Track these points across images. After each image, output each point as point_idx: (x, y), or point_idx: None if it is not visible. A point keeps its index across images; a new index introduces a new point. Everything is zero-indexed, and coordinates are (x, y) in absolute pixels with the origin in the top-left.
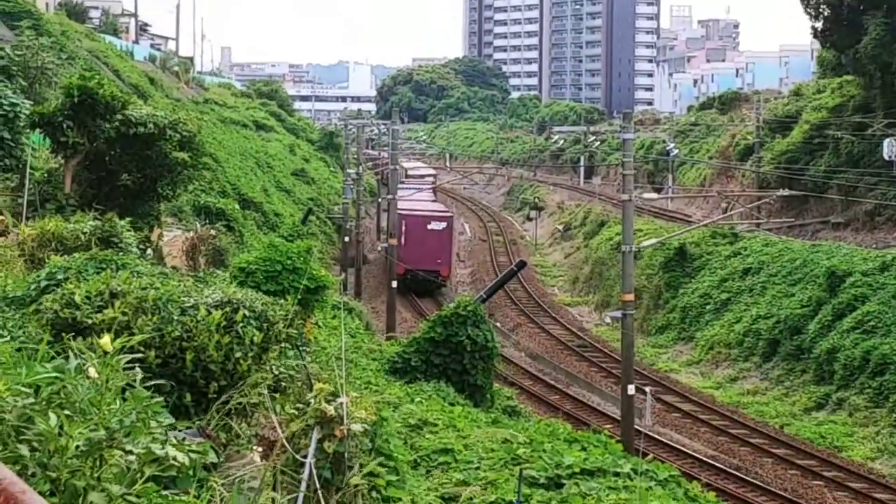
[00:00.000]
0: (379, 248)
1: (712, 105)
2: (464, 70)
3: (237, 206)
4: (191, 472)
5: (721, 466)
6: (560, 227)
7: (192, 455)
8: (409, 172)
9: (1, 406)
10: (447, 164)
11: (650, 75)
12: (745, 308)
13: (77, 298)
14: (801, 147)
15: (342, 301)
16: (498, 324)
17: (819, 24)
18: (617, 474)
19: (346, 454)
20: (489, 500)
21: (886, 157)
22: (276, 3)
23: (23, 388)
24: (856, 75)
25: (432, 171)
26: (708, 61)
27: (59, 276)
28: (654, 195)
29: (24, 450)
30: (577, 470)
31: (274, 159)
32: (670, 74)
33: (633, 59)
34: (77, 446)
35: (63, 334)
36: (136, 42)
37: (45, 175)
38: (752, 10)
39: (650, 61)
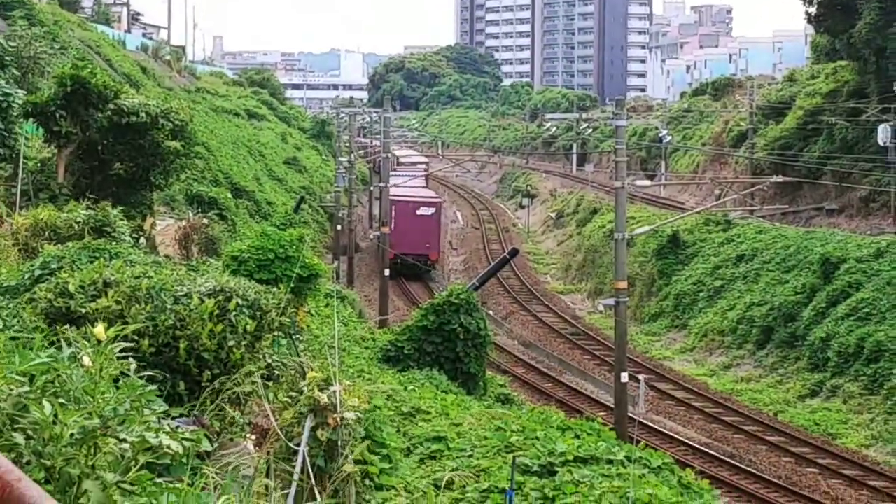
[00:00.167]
0: (371, 237)
1: (705, 91)
2: (455, 57)
3: (229, 195)
4: (184, 460)
5: (715, 454)
6: (552, 215)
7: (186, 443)
8: (401, 160)
9: None
10: (439, 151)
11: (643, 62)
12: (739, 295)
13: (71, 288)
14: (795, 133)
15: (335, 289)
16: (491, 312)
17: (813, 9)
18: (610, 462)
19: (339, 442)
20: (482, 488)
21: (881, 143)
22: None
23: (17, 377)
24: (850, 60)
25: (424, 159)
26: (701, 47)
27: (53, 266)
28: (647, 182)
29: (19, 438)
30: (570, 458)
31: (266, 148)
32: (663, 61)
33: (626, 46)
34: (71, 434)
35: (57, 323)
36: (128, 31)
37: (39, 165)
38: None
39: (643, 47)
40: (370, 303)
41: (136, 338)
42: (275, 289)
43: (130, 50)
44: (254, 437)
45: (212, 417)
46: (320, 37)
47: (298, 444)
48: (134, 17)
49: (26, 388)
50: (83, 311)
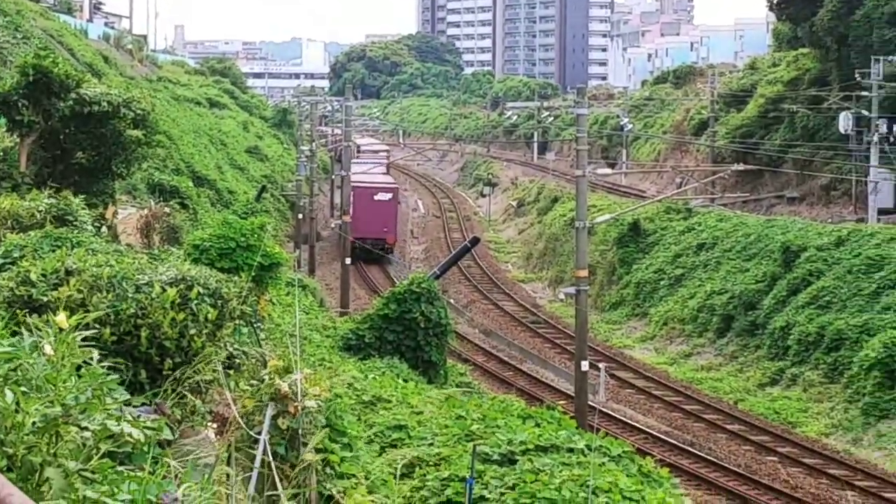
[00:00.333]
0: (332, 225)
1: (666, 79)
2: (417, 46)
3: (191, 184)
4: (146, 449)
5: (675, 442)
6: (514, 204)
7: (147, 431)
8: (363, 149)
9: None
10: (401, 140)
11: (604, 50)
12: (700, 284)
13: (33, 276)
14: (756, 121)
15: (296, 278)
16: (451, 300)
17: None
18: (570, 450)
19: (300, 430)
20: (443, 476)
21: (842, 131)
22: None
23: None
24: (812, 48)
25: (386, 148)
26: (662, 35)
27: (15, 254)
28: (608, 171)
29: None
30: (530, 446)
31: (227, 137)
32: (624, 49)
33: (587, 34)
34: (33, 422)
35: (18, 311)
36: (90, 20)
37: (1, 154)
38: None
39: (604, 36)
40: (331, 291)
41: (97, 326)
42: (236, 277)
43: (92, 39)
44: (215, 425)
45: (173, 406)
46: (282, 26)
47: (259, 433)
48: (95, 7)
49: None
50: (45, 299)
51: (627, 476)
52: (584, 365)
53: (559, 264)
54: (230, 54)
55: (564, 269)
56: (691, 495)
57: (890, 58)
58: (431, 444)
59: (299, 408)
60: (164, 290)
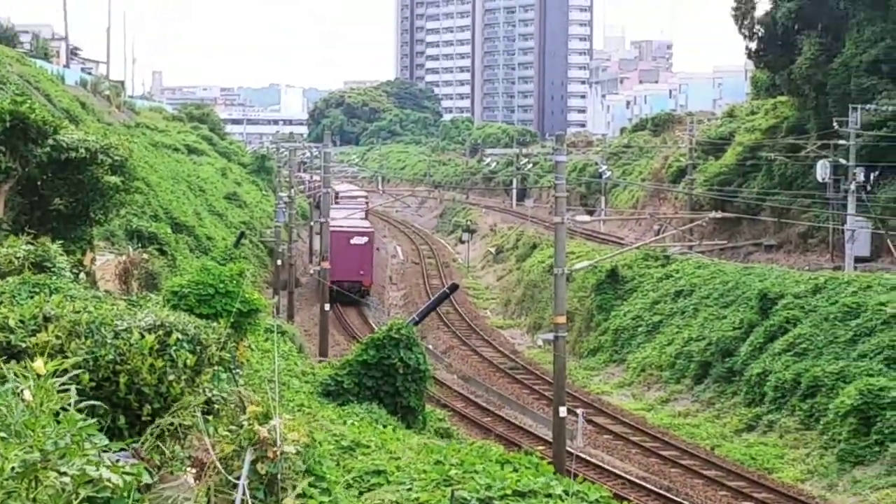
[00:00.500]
0: (311, 272)
1: (645, 127)
2: (396, 92)
3: (169, 230)
4: (125, 494)
5: (652, 488)
6: (492, 250)
7: (126, 477)
8: (341, 195)
9: None
10: (380, 186)
11: (583, 97)
12: (677, 330)
13: (11, 322)
14: (735, 169)
15: (275, 324)
16: (430, 346)
17: (753, 45)
18: (548, 496)
19: (279, 476)
20: None
21: (819, 179)
22: (207, 27)
23: None
24: (790, 96)
25: (364, 194)
26: (641, 82)
27: None
28: (587, 217)
29: None
30: (508, 491)
31: (206, 183)
32: (603, 96)
33: (566, 81)
34: (12, 468)
35: None
36: (66, 66)
37: None
38: (686, 31)
39: (583, 83)
40: (310, 337)
41: (76, 372)
42: (215, 323)
43: (69, 85)
44: (193, 470)
45: (151, 451)
46: (260, 72)
47: (238, 478)
48: (73, 52)
49: None
50: (23, 345)
51: None
52: (563, 410)
53: (538, 310)
54: (208, 100)
55: (543, 316)
56: None
57: (868, 106)
58: (410, 489)
59: (278, 453)
60: (143, 337)
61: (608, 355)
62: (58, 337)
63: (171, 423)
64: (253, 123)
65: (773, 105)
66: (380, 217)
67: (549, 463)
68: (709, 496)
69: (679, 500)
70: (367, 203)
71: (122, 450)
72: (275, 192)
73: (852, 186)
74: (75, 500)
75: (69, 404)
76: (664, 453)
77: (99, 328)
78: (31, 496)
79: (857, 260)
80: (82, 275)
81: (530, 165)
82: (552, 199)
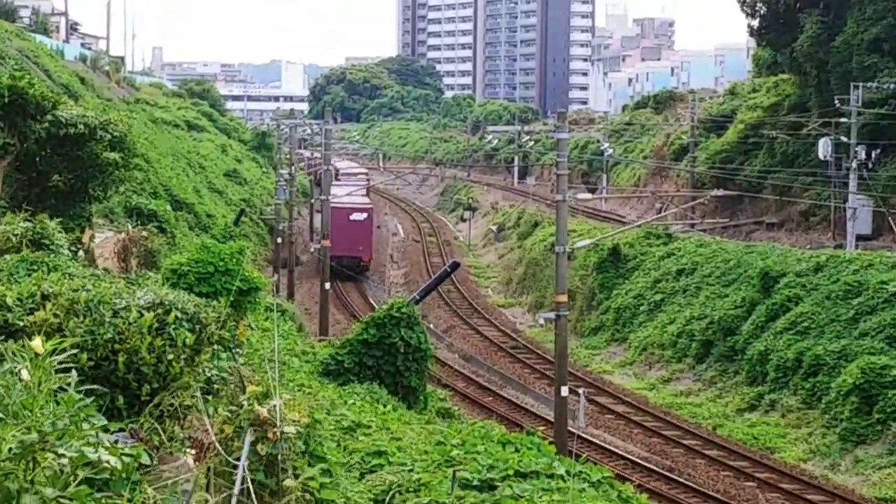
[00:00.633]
0: (312, 250)
1: (647, 104)
2: (397, 69)
3: (169, 208)
4: (123, 475)
5: (654, 468)
6: (494, 228)
7: (125, 458)
8: (342, 172)
9: None
10: (380, 164)
11: (585, 74)
12: (679, 309)
13: (8, 300)
14: (736, 147)
15: (275, 303)
16: (431, 325)
17: (755, 23)
18: (550, 476)
19: (279, 457)
20: (422, 502)
21: (821, 157)
22: (208, 3)
23: None
24: (791, 74)
25: (365, 171)
26: (643, 60)
27: None
28: (588, 195)
29: None
30: (510, 472)
31: (206, 160)
32: (605, 73)
33: (568, 59)
34: (10, 449)
35: None
36: (66, 41)
37: None
38: (688, 9)
39: (585, 60)
40: (310, 316)
41: (74, 351)
42: (214, 302)
43: (69, 60)
44: (193, 451)
45: (151, 432)
46: (261, 48)
47: (238, 459)
48: (72, 28)
49: None
50: (21, 324)
51: (607, 502)
52: (564, 390)
53: (539, 289)
54: (209, 76)
55: (544, 294)
56: None
57: (869, 84)
58: (411, 470)
59: (278, 433)
60: (142, 315)
61: (610, 334)
62: (56, 315)
63: (171, 404)
64: (253, 100)
65: (775, 83)
66: (381, 195)
67: (551, 443)
68: (711, 476)
69: (681, 480)
70: (367, 180)
71: (120, 430)
72: (275, 169)
73: (854, 164)
74: (73, 481)
75: (68, 384)
76: (666, 433)
77: (97, 306)
78: (29, 477)
79: (859, 238)
80: (81, 252)
81: (532, 143)
82: (554, 177)
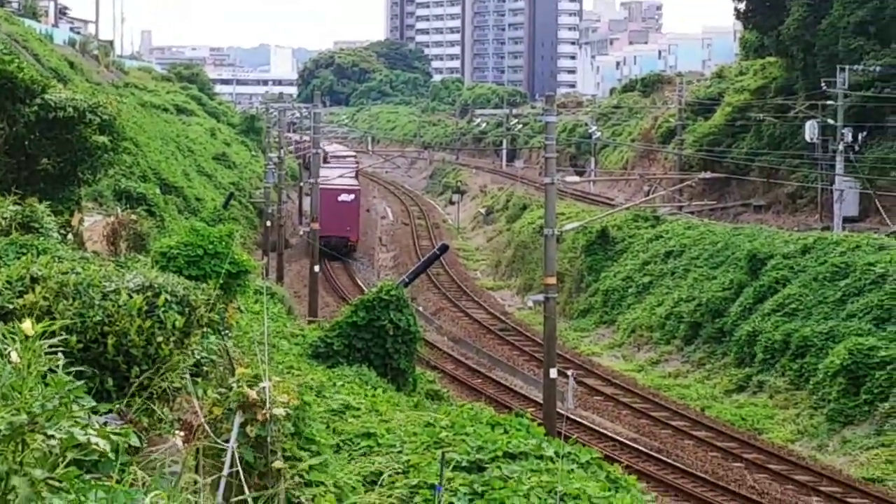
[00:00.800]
0: (301, 233)
1: (634, 87)
2: (386, 53)
3: (158, 191)
4: (113, 457)
5: (642, 449)
6: (482, 211)
7: (114, 439)
8: (331, 155)
9: None
10: (369, 147)
11: (573, 58)
12: (667, 291)
13: None
14: (724, 129)
15: (264, 285)
16: (420, 308)
17: (742, 6)
18: (539, 457)
19: (268, 438)
20: (411, 484)
21: (808, 140)
22: None
23: None
24: (778, 56)
25: (354, 154)
26: (631, 43)
27: None
28: (577, 178)
29: None
30: (499, 453)
31: (195, 143)
32: (593, 57)
33: (556, 42)
34: None
35: None
36: (55, 25)
37: None
38: None
39: (573, 43)
40: (300, 299)
41: (64, 334)
42: (204, 285)
43: (58, 44)
44: (182, 433)
45: (140, 414)
46: (250, 32)
47: (227, 441)
48: (61, 12)
49: None
50: (10, 306)
51: (596, 482)
52: (553, 372)
53: (528, 272)
54: (197, 60)
55: (533, 277)
56: (659, 501)
57: (855, 67)
58: (400, 452)
59: (267, 415)
60: (131, 298)
61: (598, 316)
62: (45, 298)
63: (160, 386)
64: (242, 84)
65: (762, 66)
66: (369, 178)
67: (540, 425)
68: (699, 457)
69: (670, 461)
70: (356, 163)
71: (109, 412)
72: (264, 152)
73: (840, 147)
74: (62, 463)
75: (57, 366)
76: (655, 414)
77: (87, 289)
78: (18, 459)
79: (846, 220)
80: (70, 236)
81: (520, 126)
82: (542, 160)
